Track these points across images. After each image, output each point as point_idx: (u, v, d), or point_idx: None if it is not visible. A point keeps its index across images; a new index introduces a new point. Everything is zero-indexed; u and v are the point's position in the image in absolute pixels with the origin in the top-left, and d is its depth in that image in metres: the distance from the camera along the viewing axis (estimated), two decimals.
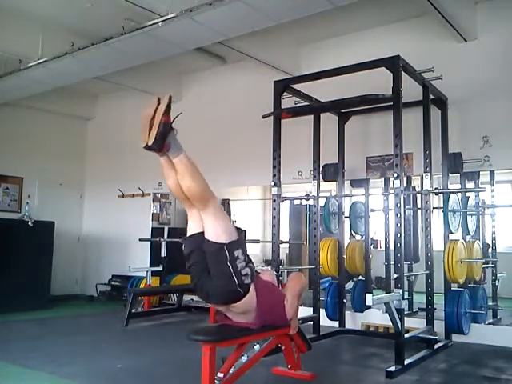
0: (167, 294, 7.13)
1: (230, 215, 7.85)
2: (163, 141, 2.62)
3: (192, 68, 7.39)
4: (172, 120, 2.65)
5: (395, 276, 3.91)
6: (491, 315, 5.19)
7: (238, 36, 5.08)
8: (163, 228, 7.29)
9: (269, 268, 4.80)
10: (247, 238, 7.62)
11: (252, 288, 2.82)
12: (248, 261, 2.80)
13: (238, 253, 2.72)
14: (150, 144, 2.61)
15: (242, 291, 2.76)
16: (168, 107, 2.62)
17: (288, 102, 4.84)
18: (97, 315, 6.82)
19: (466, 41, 5.21)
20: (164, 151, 2.67)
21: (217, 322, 3.07)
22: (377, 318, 5.31)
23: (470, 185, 5.18)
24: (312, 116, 5.33)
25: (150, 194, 7.89)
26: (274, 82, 4.70)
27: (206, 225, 2.75)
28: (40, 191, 8.21)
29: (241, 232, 2.85)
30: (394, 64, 4.01)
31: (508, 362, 4.13)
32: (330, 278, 5.71)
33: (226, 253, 2.68)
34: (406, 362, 3.79)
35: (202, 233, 2.76)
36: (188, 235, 2.84)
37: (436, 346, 4.39)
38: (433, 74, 4.41)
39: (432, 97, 4.75)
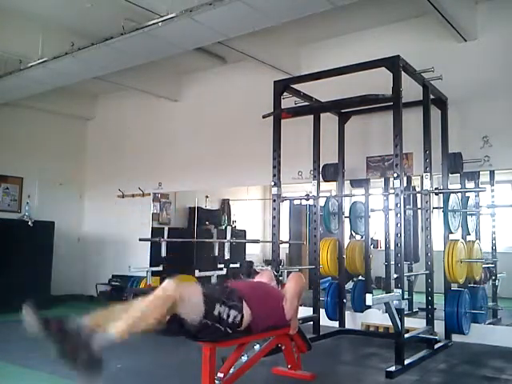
0: None
1: (230, 215, 7.85)
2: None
3: (192, 68, 7.38)
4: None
5: (395, 276, 3.91)
6: (491, 315, 5.18)
7: (238, 36, 5.08)
8: (163, 228, 7.28)
9: (268, 268, 4.80)
10: (247, 238, 7.62)
11: (245, 307, 2.78)
12: (227, 302, 2.71)
13: (217, 310, 2.64)
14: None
15: (241, 326, 2.76)
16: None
17: (288, 101, 4.84)
18: None
19: (465, 41, 5.21)
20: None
21: None
22: (377, 317, 5.31)
23: (469, 185, 5.17)
24: (312, 116, 5.33)
25: (150, 194, 7.89)
26: (274, 82, 4.70)
27: (183, 315, 2.55)
28: (40, 191, 8.20)
29: (208, 290, 2.73)
30: (394, 64, 4.01)
31: (508, 362, 4.14)
32: (330, 278, 5.71)
33: (207, 323, 2.60)
34: (406, 361, 3.79)
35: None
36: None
37: (436, 346, 4.39)
38: (433, 74, 4.41)
39: (432, 97, 4.75)
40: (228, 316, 2.70)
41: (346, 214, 5.48)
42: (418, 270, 5.37)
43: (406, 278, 4.35)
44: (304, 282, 3.35)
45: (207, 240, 7.33)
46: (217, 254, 6.85)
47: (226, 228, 6.84)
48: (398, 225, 3.93)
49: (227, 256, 6.41)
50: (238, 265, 7.15)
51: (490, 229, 5.33)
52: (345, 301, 5.34)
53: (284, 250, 7.82)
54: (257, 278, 3.49)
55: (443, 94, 4.97)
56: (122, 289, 7.56)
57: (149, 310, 2.39)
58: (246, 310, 2.80)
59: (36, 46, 5.67)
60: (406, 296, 4.80)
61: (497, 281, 5.29)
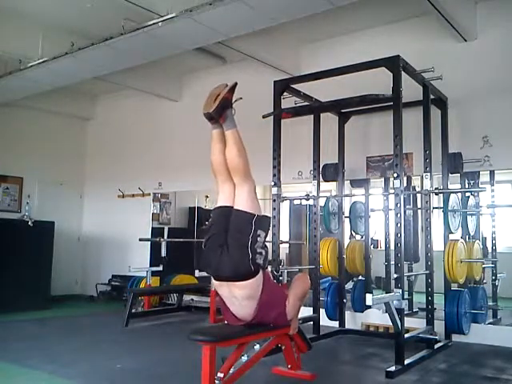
0: (167, 293, 7.14)
1: None
2: (222, 112, 2.90)
3: (192, 68, 7.38)
4: (233, 100, 2.96)
5: (395, 276, 3.91)
6: (491, 315, 5.19)
7: (238, 36, 5.08)
8: (163, 228, 7.29)
9: (268, 268, 4.79)
10: None
11: (261, 273, 2.89)
12: (264, 246, 2.92)
13: (260, 232, 2.87)
14: (210, 111, 2.86)
15: (253, 269, 2.82)
16: (232, 88, 2.94)
17: (288, 102, 4.84)
18: (97, 315, 6.81)
19: (466, 41, 5.21)
20: (220, 122, 2.93)
21: (217, 321, 3.07)
22: (377, 318, 5.31)
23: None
24: (312, 116, 5.33)
25: (150, 194, 7.90)
26: (274, 81, 4.70)
27: (239, 197, 2.94)
28: (40, 191, 8.21)
29: (268, 218, 3.04)
30: (394, 64, 4.01)
31: (508, 362, 4.13)
32: (330, 278, 5.71)
33: (252, 225, 2.84)
34: (406, 361, 3.79)
35: (231, 207, 2.92)
36: (217, 206, 3.01)
37: (436, 346, 4.39)
38: (433, 73, 4.41)
39: (432, 97, 4.75)
40: (259, 247, 2.85)
41: (346, 214, 5.48)
42: (417, 270, 5.38)
43: (405, 278, 4.35)
44: (309, 284, 3.35)
45: None
46: None
47: None
48: (398, 225, 3.93)
49: None
50: None
51: (489, 229, 5.34)
52: (345, 301, 5.34)
53: (284, 249, 7.82)
54: None
55: (443, 94, 4.97)
56: (122, 289, 7.57)
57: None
58: (261, 277, 2.90)
59: (36, 46, 5.68)
60: (406, 296, 4.79)
61: (497, 281, 5.29)
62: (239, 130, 2.97)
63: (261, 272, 2.89)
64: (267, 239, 2.96)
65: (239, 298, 2.90)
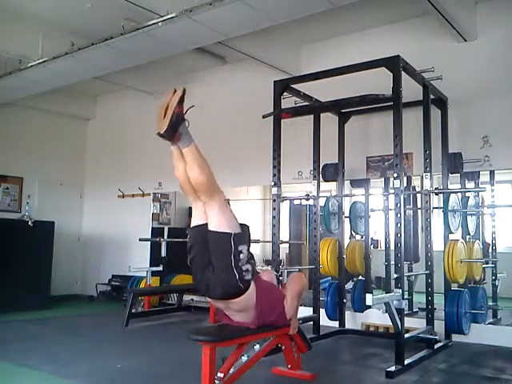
0: (167, 293, 7.13)
1: None
2: (175, 130, 2.72)
3: (192, 68, 7.38)
4: (184, 111, 2.76)
5: (395, 276, 3.91)
6: (491, 315, 5.19)
7: (238, 36, 5.08)
8: (163, 228, 7.29)
9: (269, 268, 4.80)
10: None
11: (252, 285, 2.84)
12: (250, 258, 2.82)
13: (242, 248, 2.75)
14: (162, 133, 2.70)
15: (243, 286, 2.77)
16: (181, 99, 2.73)
17: (288, 102, 4.84)
18: (97, 315, 6.81)
19: (466, 41, 5.21)
20: (175, 140, 2.77)
21: (217, 321, 3.08)
22: (377, 318, 5.31)
23: (469, 185, 5.17)
24: (312, 116, 5.33)
25: (150, 194, 7.89)
26: (274, 81, 4.70)
27: (211, 216, 2.77)
28: (40, 191, 8.21)
29: (246, 228, 2.88)
30: (394, 64, 4.01)
31: (508, 362, 4.13)
32: (330, 278, 5.71)
33: (231, 244, 2.71)
34: (406, 361, 3.79)
35: (206, 224, 2.78)
36: (192, 226, 2.87)
37: (436, 346, 4.39)
38: (433, 73, 4.41)
39: (432, 97, 4.75)
40: (244, 264, 2.75)
41: (346, 214, 5.48)
42: (417, 270, 5.37)
43: (405, 278, 4.35)
44: (305, 282, 3.36)
45: None
46: None
47: None
48: (398, 225, 3.93)
49: None
50: None
51: (490, 229, 5.34)
52: (345, 301, 5.34)
53: (284, 249, 7.82)
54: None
55: (443, 93, 4.97)
56: (122, 289, 7.57)
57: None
58: (253, 288, 2.83)
59: (36, 46, 5.68)
60: (406, 296, 4.80)
61: (497, 281, 5.29)
62: (197, 143, 2.84)
63: (252, 284, 2.84)
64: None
65: (236, 310, 2.91)
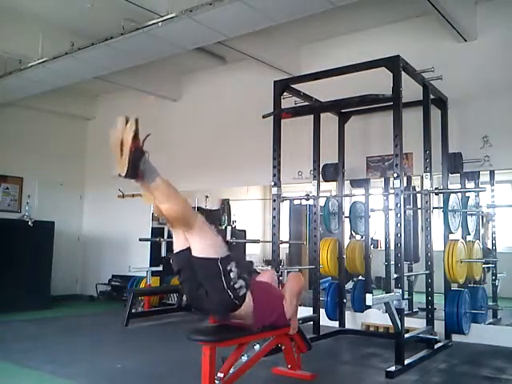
0: (167, 293, 7.13)
1: (230, 215, 7.85)
2: (136, 169, 2.47)
3: (192, 68, 7.38)
4: (142, 143, 2.48)
5: (395, 276, 3.91)
6: (491, 315, 5.18)
7: (238, 36, 5.08)
8: (163, 228, 7.28)
9: (269, 268, 4.80)
10: (247, 238, 7.62)
11: (248, 295, 2.79)
12: (241, 272, 2.73)
13: (230, 266, 2.67)
14: (123, 176, 2.46)
15: (239, 302, 2.74)
16: (135, 132, 2.44)
17: (288, 102, 4.84)
18: (97, 315, 6.81)
19: (466, 41, 5.21)
20: (138, 179, 2.54)
21: (217, 322, 3.08)
22: (377, 318, 5.31)
23: (469, 185, 5.17)
24: (312, 116, 5.33)
25: None
26: (274, 81, 4.70)
27: (193, 243, 2.67)
28: (40, 191, 8.21)
29: (231, 245, 2.81)
30: (394, 64, 4.01)
31: (508, 362, 4.13)
32: (330, 278, 5.71)
33: (219, 267, 2.62)
34: (406, 361, 3.79)
35: (189, 249, 2.68)
36: (175, 252, 2.76)
37: (436, 346, 4.39)
38: (433, 73, 4.41)
39: (432, 97, 4.75)
40: (236, 282, 2.69)
41: (346, 214, 5.48)
42: (417, 270, 5.37)
43: (406, 278, 4.35)
44: (303, 281, 3.36)
45: None
46: None
47: (226, 228, 6.84)
48: (398, 225, 3.93)
49: None
50: None
51: (490, 229, 5.33)
52: (345, 301, 5.34)
53: (284, 250, 7.82)
54: (258, 279, 3.49)
55: (443, 93, 4.97)
56: (122, 289, 7.57)
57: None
58: (249, 297, 2.80)
59: (36, 46, 5.68)
60: (406, 296, 4.79)
61: (497, 281, 5.29)
62: (162, 175, 2.63)
63: (248, 293, 2.79)
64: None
65: (236, 317, 2.90)
